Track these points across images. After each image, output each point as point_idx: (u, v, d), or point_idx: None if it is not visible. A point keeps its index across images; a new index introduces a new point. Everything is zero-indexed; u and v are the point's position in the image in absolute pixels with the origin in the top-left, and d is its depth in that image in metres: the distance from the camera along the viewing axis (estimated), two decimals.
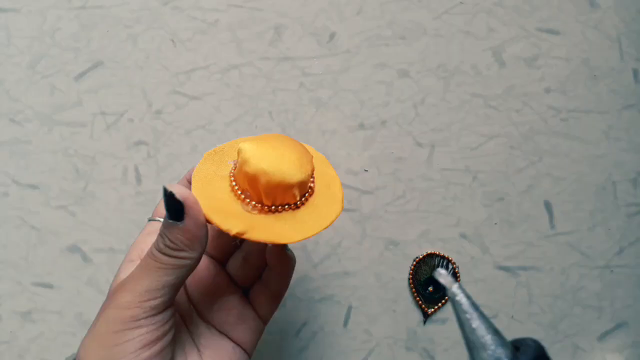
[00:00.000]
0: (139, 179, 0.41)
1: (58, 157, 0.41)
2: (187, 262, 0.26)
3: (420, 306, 0.41)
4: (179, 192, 0.25)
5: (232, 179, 0.28)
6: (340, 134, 0.41)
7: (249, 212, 0.27)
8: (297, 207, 0.28)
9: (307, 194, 0.28)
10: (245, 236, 0.26)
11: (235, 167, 0.28)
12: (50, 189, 0.41)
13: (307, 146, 0.31)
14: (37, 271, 0.41)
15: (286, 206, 0.28)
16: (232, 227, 0.26)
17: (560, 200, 0.41)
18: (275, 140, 0.27)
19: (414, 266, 0.40)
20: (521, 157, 0.41)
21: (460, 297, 0.25)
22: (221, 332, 0.31)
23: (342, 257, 0.41)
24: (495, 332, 0.24)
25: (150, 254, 0.27)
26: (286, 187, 0.26)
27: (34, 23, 0.42)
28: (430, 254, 0.40)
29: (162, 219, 0.30)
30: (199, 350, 0.30)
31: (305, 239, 0.27)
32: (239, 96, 0.41)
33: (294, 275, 0.41)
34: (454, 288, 0.25)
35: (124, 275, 0.28)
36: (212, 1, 0.41)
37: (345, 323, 0.41)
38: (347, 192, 0.41)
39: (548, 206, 0.41)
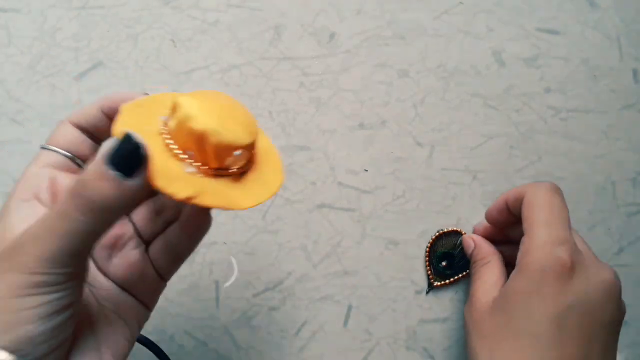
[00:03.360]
0: None
1: None
2: (112, 224, 0.23)
3: (428, 276, 0.41)
4: (142, 142, 0.21)
5: (168, 136, 0.24)
6: (340, 134, 0.41)
7: (191, 174, 0.24)
8: (244, 172, 0.26)
9: (250, 160, 0.27)
10: (194, 201, 0.23)
11: (169, 124, 0.24)
12: None
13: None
14: None
15: (232, 170, 0.25)
16: (179, 191, 0.23)
17: None
18: (216, 96, 0.25)
19: (436, 237, 0.40)
20: (521, 157, 0.42)
21: None
22: (122, 288, 0.28)
23: (342, 257, 0.41)
24: None
25: (65, 207, 0.22)
26: (236, 149, 0.24)
27: (34, 23, 0.42)
28: (455, 231, 0.40)
29: (59, 150, 0.27)
30: (99, 303, 0.27)
31: (258, 204, 0.25)
32: (239, 96, 0.42)
33: (294, 275, 0.41)
34: None
35: (15, 219, 0.24)
36: (212, 1, 0.42)
37: (345, 322, 0.41)
38: (347, 192, 0.41)
39: None
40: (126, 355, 0.27)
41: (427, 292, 0.41)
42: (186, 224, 0.28)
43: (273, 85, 0.42)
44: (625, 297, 0.41)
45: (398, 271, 0.41)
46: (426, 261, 0.40)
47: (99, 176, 0.21)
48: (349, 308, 0.41)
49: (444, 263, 0.40)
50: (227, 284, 0.40)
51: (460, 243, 0.40)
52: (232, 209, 0.25)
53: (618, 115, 0.42)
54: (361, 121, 0.42)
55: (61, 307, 0.23)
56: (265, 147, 0.28)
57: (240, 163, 0.25)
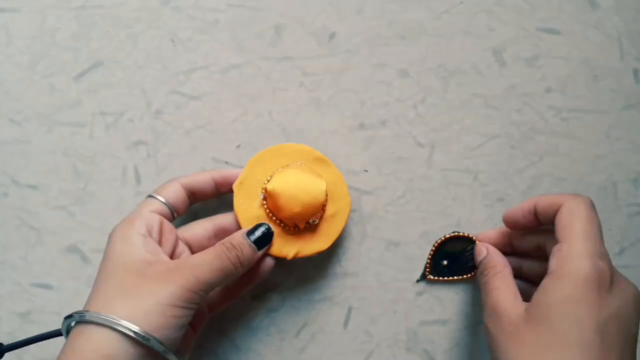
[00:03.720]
0: (138, 179, 0.41)
1: (57, 157, 0.41)
2: (236, 275, 0.34)
3: (425, 267, 0.40)
4: (272, 231, 0.36)
5: (268, 211, 0.37)
6: (340, 134, 0.41)
7: (290, 234, 0.37)
8: (320, 218, 0.37)
9: (324, 206, 0.37)
10: (297, 256, 0.37)
11: (266, 200, 0.37)
12: (49, 189, 0.41)
13: (305, 147, 0.39)
14: (36, 271, 0.41)
15: (311, 222, 0.37)
16: (288, 252, 0.37)
17: None
18: (291, 176, 0.36)
19: (449, 237, 0.40)
20: (521, 157, 0.41)
21: None
22: None
23: (342, 258, 0.41)
24: None
25: (227, 251, 0.33)
26: (313, 214, 0.36)
27: (33, 23, 0.42)
28: (469, 237, 0.40)
29: (163, 199, 0.35)
30: None
31: (334, 241, 0.38)
32: (239, 96, 0.41)
33: (294, 276, 0.41)
34: None
35: (141, 249, 0.32)
36: (211, 1, 0.41)
37: (346, 324, 0.41)
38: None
39: None
40: None
41: (418, 281, 0.41)
42: (249, 273, 0.36)
43: (273, 85, 0.41)
44: None
45: (398, 272, 0.41)
46: (430, 253, 0.40)
47: (248, 245, 0.34)
48: (349, 309, 0.41)
49: (445, 262, 0.40)
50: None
51: (472, 249, 0.39)
52: (319, 253, 0.38)
53: (619, 115, 0.42)
54: (361, 121, 0.41)
55: (188, 323, 0.31)
56: (333, 180, 0.38)
57: (317, 218, 0.37)
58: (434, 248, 0.40)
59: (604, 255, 0.31)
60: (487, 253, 0.37)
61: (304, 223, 0.37)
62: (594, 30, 0.42)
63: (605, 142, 0.42)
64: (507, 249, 0.38)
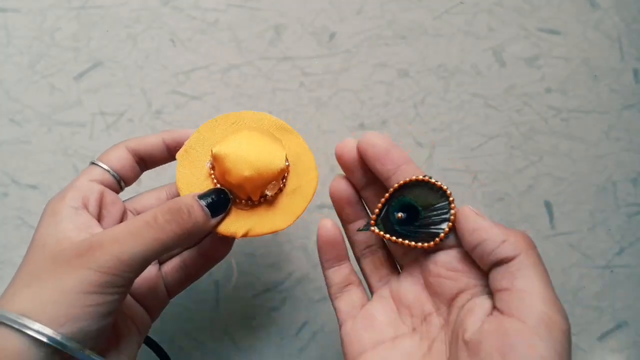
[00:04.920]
0: (138, 180, 0.41)
1: (58, 157, 0.41)
2: (180, 246, 0.28)
3: (369, 215, 0.31)
4: (230, 197, 0.29)
5: (216, 181, 0.30)
6: (340, 134, 0.41)
7: (241, 209, 0.30)
8: (280, 192, 0.31)
9: (284, 178, 0.31)
10: (248, 235, 0.30)
11: (214, 169, 0.30)
12: (49, 189, 0.41)
13: (268, 115, 0.33)
14: None
15: (269, 196, 0.30)
16: (237, 230, 0.29)
17: (561, 200, 0.41)
18: (244, 138, 0.29)
19: (414, 181, 0.28)
20: (521, 157, 0.41)
21: None
22: (135, 298, 0.31)
23: None
24: None
25: (151, 221, 0.26)
26: (268, 182, 0.30)
27: (33, 23, 0.41)
28: (442, 189, 0.28)
29: (105, 166, 0.30)
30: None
31: (297, 219, 0.31)
32: (239, 96, 0.41)
33: (295, 275, 0.41)
34: None
35: (69, 224, 0.26)
36: (211, 1, 0.41)
37: None
38: None
39: (548, 206, 0.41)
40: (135, 358, 0.29)
41: (359, 230, 0.30)
42: (207, 250, 0.32)
43: (273, 85, 0.41)
44: (626, 298, 0.41)
45: None
46: (385, 197, 0.29)
47: (200, 208, 0.27)
48: None
49: (400, 214, 0.28)
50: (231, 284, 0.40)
51: (443, 207, 0.28)
52: (275, 232, 0.30)
53: (619, 116, 0.42)
54: (361, 121, 0.41)
55: (114, 309, 0.25)
56: (298, 151, 0.32)
57: (274, 190, 0.30)
58: (391, 191, 0.28)
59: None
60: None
61: (258, 194, 0.30)
62: (594, 31, 0.42)
63: (605, 142, 0.42)
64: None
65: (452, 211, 0.27)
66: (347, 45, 0.41)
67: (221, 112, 0.41)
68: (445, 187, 0.28)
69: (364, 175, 0.30)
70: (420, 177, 0.28)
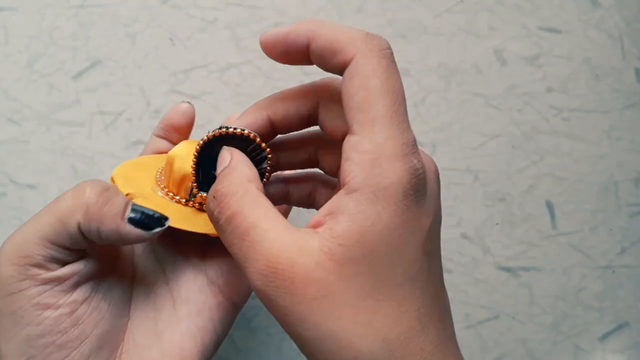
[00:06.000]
0: None
1: (56, 156, 0.41)
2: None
3: (192, 182, 0.28)
4: (167, 221, 0.26)
5: (164, 188, 0.30)
6: None
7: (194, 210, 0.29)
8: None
9: None
10: (183, 228, 0.27)
11: (162, 175, 0.30)
12: (48, 188, 0.41)
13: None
14: None
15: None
16: (200, 229, 0.28)
17: (562, 200, 0.41)
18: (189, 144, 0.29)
19: (212, 136, 0.26)
20: (522, 157, 0.41)
21: None
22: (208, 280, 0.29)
23: None
24: None
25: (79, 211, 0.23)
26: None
27: (32, 22, 0.41)
28: (246, 136, 0.26)
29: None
30: (173, 300, 0.28)
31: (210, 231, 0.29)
32: (238, 95, 0.41)
33: None
34: None
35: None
36: None
37: None
38: None
39: (550, 206, 0.41)
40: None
41: (186, 201, 0.29)
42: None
43: (272, 84, 0.41)
44: (628, 298, 0.41)
45: None
46: (193, 161, 0.27)
47: (130, 230, 0.24)
48: None
49: (216, 172, 0.26)
50: None
51: (254, 150, 0.26)
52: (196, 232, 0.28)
53: (620, 115, 0.41)
54: None
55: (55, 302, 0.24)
56: None
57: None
58: (196, 152, 0.27)
59: (413, 144, 0.21)
60: (232, 159, 0.25)
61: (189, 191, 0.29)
62: (596, 30, 0.41)
63: (607, 141, 0.41)
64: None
65: (267, 149, 0.26)
66: None
67: (220, 111, 0.41)
68: (240, 131, 0.26)
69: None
70: (217, 131, 0.26)
